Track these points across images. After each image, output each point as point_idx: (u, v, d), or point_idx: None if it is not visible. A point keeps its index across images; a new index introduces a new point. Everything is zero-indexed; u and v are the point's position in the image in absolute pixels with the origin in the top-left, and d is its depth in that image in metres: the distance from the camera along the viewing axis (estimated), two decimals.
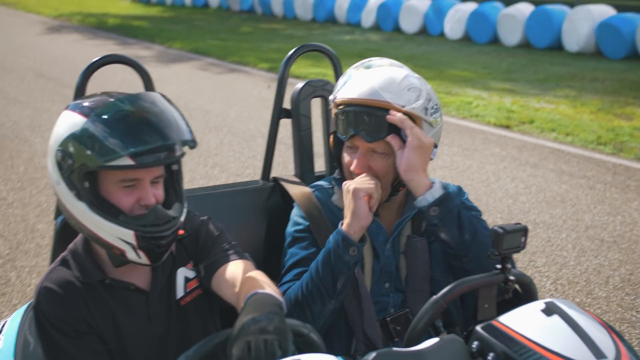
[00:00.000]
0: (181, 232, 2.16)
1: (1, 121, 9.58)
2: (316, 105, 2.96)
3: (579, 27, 14.53)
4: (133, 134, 1.91)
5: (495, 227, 2.02)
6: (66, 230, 2.48)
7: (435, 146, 2.39)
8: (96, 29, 21.17)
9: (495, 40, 16.31)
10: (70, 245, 2.19)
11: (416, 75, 2.41)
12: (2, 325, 2.74)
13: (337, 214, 2.47)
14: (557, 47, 15.16)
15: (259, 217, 2.90)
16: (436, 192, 2.29)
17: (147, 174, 2.01)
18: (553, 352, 1.78)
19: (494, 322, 1.89)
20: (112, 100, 1.97)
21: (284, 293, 2.35)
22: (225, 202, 2.86)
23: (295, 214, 2.54)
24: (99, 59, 2.69)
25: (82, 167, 1.93)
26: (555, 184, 6.90)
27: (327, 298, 2.28)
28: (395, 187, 2.39)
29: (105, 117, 1.92)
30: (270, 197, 2.91)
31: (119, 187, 1.99)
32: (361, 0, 19.68)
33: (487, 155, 7.82)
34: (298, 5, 21.91)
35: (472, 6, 17.04)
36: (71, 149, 1.94)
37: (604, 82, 11.63)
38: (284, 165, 7.00)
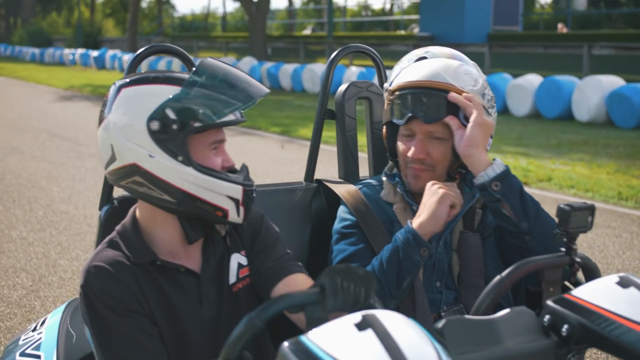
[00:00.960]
0: None
1: (18, 173, 9.61)
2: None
3: (589, 97, 14.63)
4: (240, 88, 1.92)
5: (562, 205, 1.96)
6: (111, 221, 2.40)
7: (490, 137, 2.36)
8: None
9: (505, 111, 16.41)
10: (118, 227, 2.09)
11: (474, 63, 2.40)
12: (42, 321, 2.70)
13: (385, 208, 2.41)
14: (567, 116, 15.25)
15: (303, 218, 2.81)
16: (498, 168, 2.22)
17: (224, 135, 2.01)
18: (633, 321, 1.69)
19: (566, 296, 1.80)
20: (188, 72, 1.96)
21: None
22: (268, 201, 2.76)
23: (342, 211, 2.47)
24: (147, 48, 2.61)
25: (187, 129, 1.88)
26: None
27: (389, 297, 2.20)
28: (451, 175, 2.34)
29: (203, 78, 1.91)
30: (314, 199, 2.82)
31: (210, 149, 1.96)
32: (369, 74, 19.87)
33: None
34: (306, 78, 22.17)
35: None
36: (172, 115, 1.87)
37: (617, 148, 11.62)
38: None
